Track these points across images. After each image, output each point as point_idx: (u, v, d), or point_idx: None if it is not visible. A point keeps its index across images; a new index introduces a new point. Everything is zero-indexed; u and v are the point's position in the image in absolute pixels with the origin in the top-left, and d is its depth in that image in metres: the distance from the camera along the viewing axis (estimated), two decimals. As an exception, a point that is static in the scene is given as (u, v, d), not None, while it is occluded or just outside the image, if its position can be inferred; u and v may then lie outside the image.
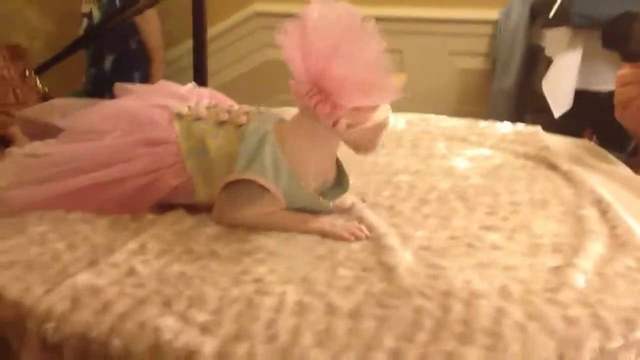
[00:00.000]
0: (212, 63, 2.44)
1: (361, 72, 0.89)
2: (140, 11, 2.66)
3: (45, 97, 1.87)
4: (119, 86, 1.13)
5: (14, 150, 1.20)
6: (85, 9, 3.07)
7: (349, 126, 0.93)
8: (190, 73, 2.36)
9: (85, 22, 3.05)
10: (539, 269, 0.84)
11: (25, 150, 1.23)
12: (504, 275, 0.82)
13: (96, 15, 3.00)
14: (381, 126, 0.95)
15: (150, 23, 3.00)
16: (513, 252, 0.89)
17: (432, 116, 1.52)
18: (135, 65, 3.03)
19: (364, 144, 0.96)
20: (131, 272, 0.83)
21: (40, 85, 1.90)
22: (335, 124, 0.92)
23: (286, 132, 0.97)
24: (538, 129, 1.41)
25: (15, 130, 1.50)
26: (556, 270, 0.84)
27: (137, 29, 2.99)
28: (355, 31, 0.90)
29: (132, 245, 0.89)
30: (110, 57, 3.00)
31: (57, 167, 1.00)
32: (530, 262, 0.86)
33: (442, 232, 0.95)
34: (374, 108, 0.93)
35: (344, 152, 1.00)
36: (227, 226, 0.96)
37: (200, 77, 2.26)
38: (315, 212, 0.98)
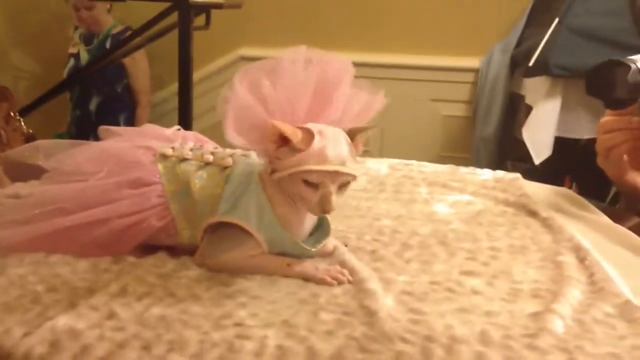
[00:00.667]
0: (197, 106, 2.46)
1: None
2: (127, 54, 2.69)
3: (29, 139, 1.87)
4: (103, 129, 1.13)
5: (-3, 191, 1.20)
6: (72, 49, 3.10)
7: (273, 171, 0.93)
8: (175, 116, 2.38)
9: (71, 62, 3.07)
10: (518, 315, 0.85)
11: (7, 191, 1.23)
12: (484, 320, 0.83)
13: (84, 57, 3.03)
14: (296, 177, 0.90)
15: (139, 65, 3.04)
16: (493, 298, 0.90)
17: (414, 162, 1.54)
18: (121, 108, 3.05)
19: (298, 200, 0.93)
20: (111, 315, 0.82)
21: (25, 127, 1.90)
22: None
23: (268, 177, 0.98)
24: (518, 176, 1.43)
25: (-2, 171, 1.49)
26: (535, 316, 0.84)
27: (124, 72, 3.02)
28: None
29: (113, 288, 0.89)
30: (95, 100, 3.02)
31: (40, 208, 0.99)
32: (510, 308, 0.87)
33: (424, 276, 0.96)
34: (290, 153, 0.90)
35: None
36: (209, 269, 0.96)
37: (185, 120, 2.28)
38: (298, 256, 0.99)
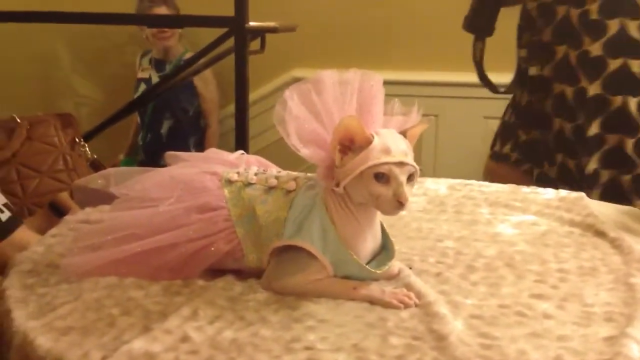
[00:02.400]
0: (252, 127, 2.50)
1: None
2: (184, 78, 2.74)
3: (93, 164, 1.92)
4: (170, 155, 1.16)
5: (69, 218, 1.24)
6: (143, 74, 3.18)
7: (337, 184, 0.96)
8: (230, 137, 2.42)
9: (142, 86, 3.15)
10: (592, 339, 0.84)
11: (77, 216, 1.27)
12: (558, 345, 0.82)
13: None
14: (368, 173, 0.93)
15: (209, 87, 3.10)
16: (565, 322, 0.89)
17: (474, 181, 1.52)
18: (191, 131, 3.11)
19: (372, 201, 0.94)
20: (185, 338, 0.84)
21: (89, 152, 1.95)
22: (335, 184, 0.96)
23: (332, 199, 0.99)
24: (582, 195, 1.40)
25: (65, 196, 1.54)
26: (610, 340, 0.83)
27: (196, 94, 3.08)
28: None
29: (185, 311, 0.91)
30: (167, 123, 3.09)
31: (112, 234, 1.02)
32: (583, 332, 0.86)
33: (492, 300, 0.95)
34: (355, 156, 0.94)
35: (388, 218, 1.02)
36: (276, 293, 0.97)
37: (242, 141, 2.31)
38: (363, 279, 0.99)
